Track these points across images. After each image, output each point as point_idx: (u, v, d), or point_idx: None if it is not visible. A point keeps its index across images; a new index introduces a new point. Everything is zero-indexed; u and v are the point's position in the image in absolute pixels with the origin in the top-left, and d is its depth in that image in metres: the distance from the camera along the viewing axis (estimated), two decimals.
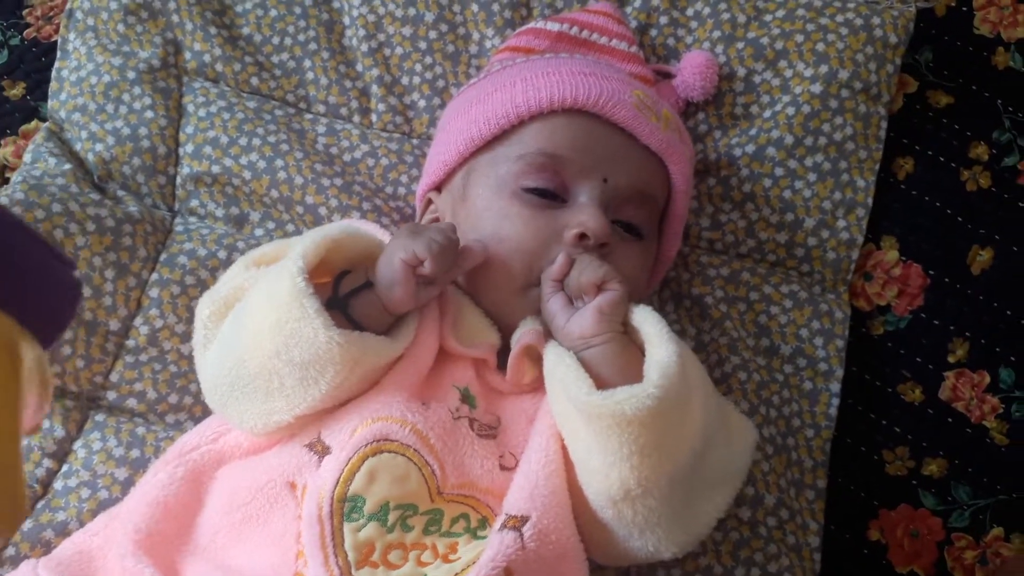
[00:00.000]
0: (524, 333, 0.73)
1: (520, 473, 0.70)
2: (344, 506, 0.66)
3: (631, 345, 0.70)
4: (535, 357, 0.73)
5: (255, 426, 0.72)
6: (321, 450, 0.70)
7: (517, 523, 0.65)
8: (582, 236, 0.74)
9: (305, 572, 0.66)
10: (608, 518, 0.68)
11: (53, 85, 0.94)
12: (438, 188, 0.85)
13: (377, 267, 0.71)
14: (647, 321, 0.70)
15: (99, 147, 0.91)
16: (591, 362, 0.69)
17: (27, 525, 0.77)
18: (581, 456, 0.68)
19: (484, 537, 0.67)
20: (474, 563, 0.65)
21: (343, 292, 0.71)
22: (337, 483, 0.67)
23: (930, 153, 0.96)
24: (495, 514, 0.68)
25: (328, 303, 0.68)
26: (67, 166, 0.89)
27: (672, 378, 0.64)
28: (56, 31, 0.98)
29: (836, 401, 0.88)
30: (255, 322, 0.70)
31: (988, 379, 0.90)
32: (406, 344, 0.72)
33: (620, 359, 0.68)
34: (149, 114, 0.92)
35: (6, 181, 0.90)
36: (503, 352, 0.75)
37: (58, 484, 0.80)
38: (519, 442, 0.73)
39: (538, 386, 0.74)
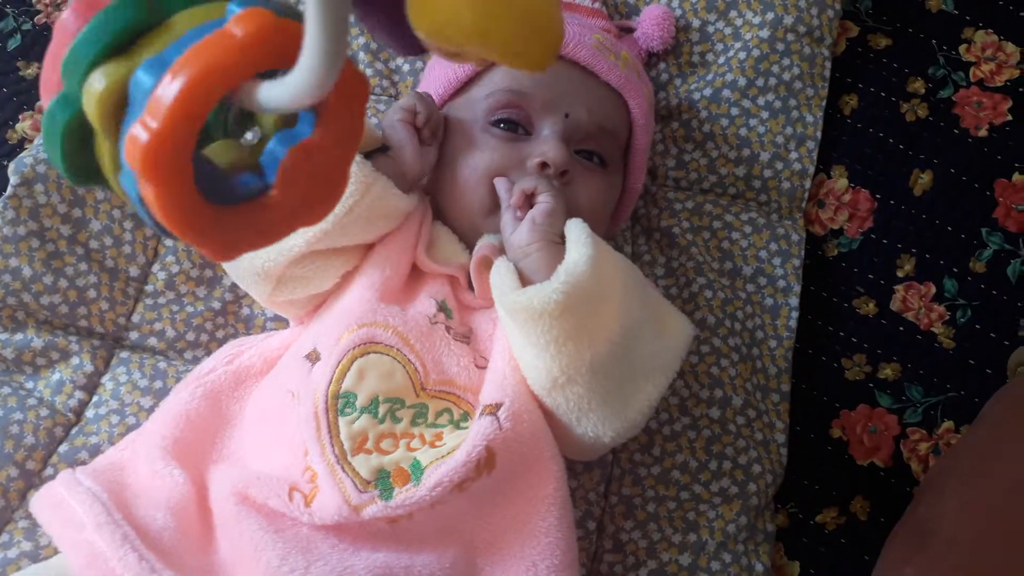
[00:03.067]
0: (481, 247, 0.80)
1: (489, 370, 0.77)
2: (338, 402, 0.73)
3: (563, 253, 0.75)
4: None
5: (268, 263, 0.78)
6: (314, 358, 0.77)
7: (493, 409, 0.73)
8: (543, 164, 0.81)
9: (313, 465, 0.73)
10: (550, 406, 0.75)
11: None
12: None
13: (385, 135, 0.81)
14: (571, 229, 0.75)
15: None
16: (527, 269, 0.75)
17: (63, 448, 0.85)
18: (518, 352, 0.76)
19: (466, 427, 0.74)
20: (458, 448, 0.72)
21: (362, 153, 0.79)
22: (330, 382, 0.74)
23: (872, 89, 1.05)
24: (475, 409, 0.76)
25: None
26: None
27: (580, 275, 0.70)
28: None
29: (795, 314, 0.96)
30: None
31: (934, 290, 0.98)
32: (412, 202, 0.81)
33: (548, 265, 0.73)
34: None
35: None
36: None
37: (89, 413, 0.88)
38: (488, 346, 0.80)
39: None
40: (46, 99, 0.41)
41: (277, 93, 0.37)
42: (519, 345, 0.75)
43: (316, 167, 0.41)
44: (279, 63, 0.36)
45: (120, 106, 0.38)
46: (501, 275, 0.75)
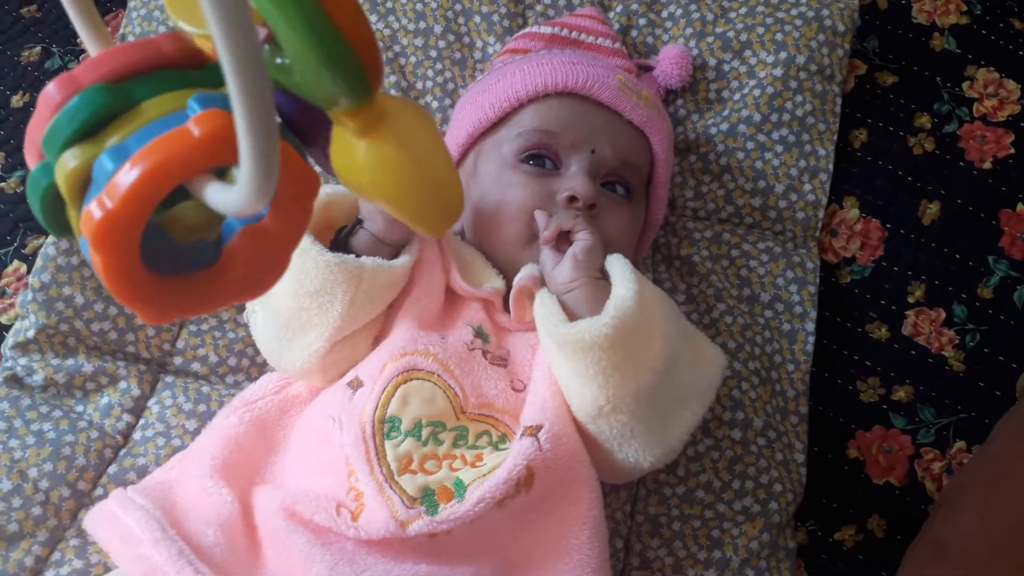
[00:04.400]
0: (523, 276, 0.84)
1: (530, 393, 0.81)
2: (384, 427, 0.77)
3: (606, 288, 0.78)
4: (533, 298, 0.83)
5: (304, 363, 0.83)
6: (356, 385, 0.81)
7: (533, 431, 0.77)
8: (572, 198, 0.86)
9: (358, 485, 0.76)
10: (593, 433, 0.79)
11: None
12: None
13: (360, 206, 0.84)
14: (615, 265, 0.80)
15: None
16: (570, 303, 0.80)
17: (112, 469, 0.88)
18: (564, 381, 0.79)
19: (505, 448, 0.78)
20: (499, 467, 0.75)
21: (342, 236, 0.83)
22: (376, 408, 0.78)
23: (881, 124, 1.10)
24: (513, 431, 0.79)
25: (331, 246, 0.81)
26: None
27: (627, 310, 0.74)
28: None
29: (812, 339, 1.00)
30: None
31: (944, 315, 1.02)
32: (405, 263, 0.82)
33: (593, 299, 0.78)
34: None
35: None
36: (509, 297, 0.86)
37: (136, 435, 0.91)
38: (525, 370, 0.84)
39: None
40: (30, 161, 0.45)
41: (222, 200, 0.40)
42: (566, 375, 0.79)
43: (261, 250, 0.44)
44: (232, 160, 0.39)
45: (85, 182, 0.42)
46: (548, 308, 0.79)
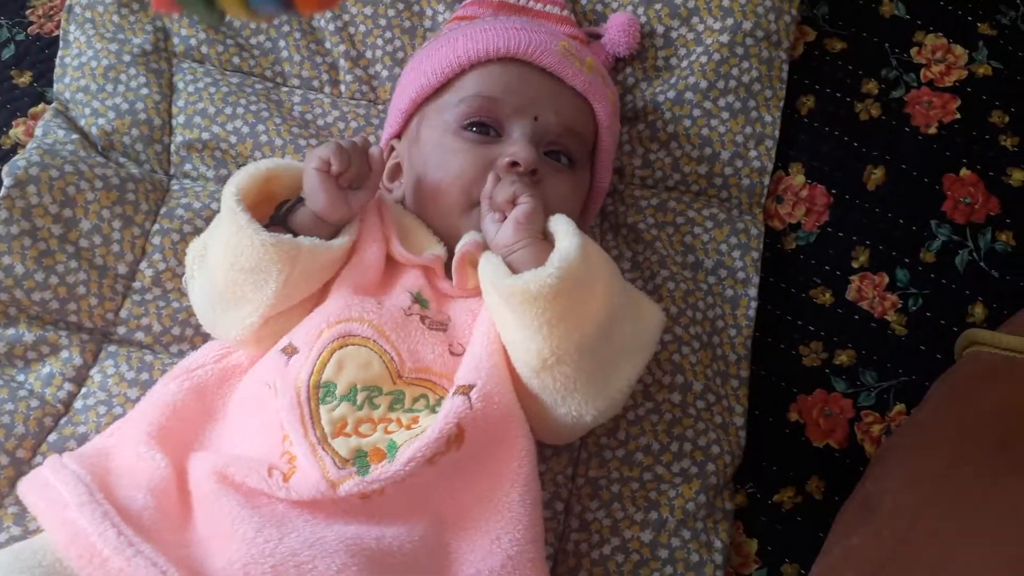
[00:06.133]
0: (466, 243, 0.85)
1: (467, 354, 0.82)
2: (319, 391, 0.78)
3: (548, 247, 0.79)
4: (476, 264, 0.84)
5: (237, 335, 0.84)
6: (290, 351, 0.81)
7: (465, 390, 0.78)
8: (513, 164, 0.86)
9: (291, 449, 0.77)
10: (536, 388, 0.80)
11: (57, 71, 1.07)
12: (398, 136, 0.98)
13: (303, 183, 0.84)
14: (558, 223, 0.81)
15: (101, 121, 1.04)
16: (514, 263, 0.80)
17: (52, 438, 0.89)
18: (506, 335, 0.80)
19: None
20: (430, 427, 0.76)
21: (282, 212, 0.84)
22: (312, 373, 0.79)
23: (828, 90, 1.10)
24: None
25: (271, 221, 0.81)
26: (75, 136, 1.02)
27: (572, 261, 0.75)
28: (57, 27, 1.11)
29: (754, 304, 1.00)
30: (214, 247, 0.84)
31: (887, 279, 1.02)
32: (343, 244, 0.83)
33: (536, 257, 0.78)
34: (144, 91, 1.05)
35: None
36: (450, 263, 0.87)
37: (78, 404, 0.91)
38: (465, 334, 0.84)
39: (481, 290, 0.86)
40: None
41: None
42: (510, 328, 0.80)
43: None
44: None
45: None
46: (493, 265, 0.80)
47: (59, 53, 1.08)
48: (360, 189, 0.85)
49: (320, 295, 0.86)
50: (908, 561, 0.72)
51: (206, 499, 0.77)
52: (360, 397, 0.78)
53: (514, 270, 0.79)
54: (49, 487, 0.77)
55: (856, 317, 1.02)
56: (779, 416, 0.98)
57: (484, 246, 0.84)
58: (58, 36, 1.09)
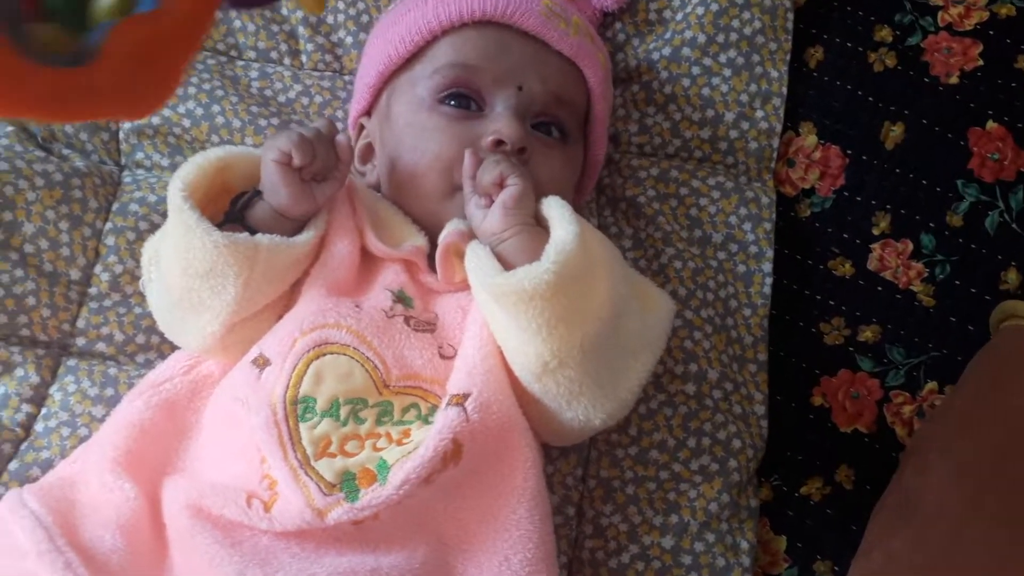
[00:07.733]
0: (449, 233, 0.77)
1: (459, 358, 0.74)
2: (297, 408, 0.70)
3: (542, 234, 0.72)
4: (463, 256, 0.76)
5: (201, 344, 0.77)
6: (262, 363, 0.73)
7: (460, 400, 0.70)
8: (499, 142, 0.78)
9: (271, 472, 0.70)
10: (538, 393, 0.73)
11: None
12: (368, 113, 0.89)
13: (261, 176, 0.75)
14: (552, 207, 0.73)
15: None
16: (505, 254, 0.72)
17: (14, 465, 0.81)
18: (502, 338, 0.73)
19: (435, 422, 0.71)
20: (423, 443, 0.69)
21: (238, 207, 0.75)
22: (288, 388, 0.71)
23: (838, 40, 1.01)
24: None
25: (226, 218, 0.73)
26: (9, 128, 0.92)
27: (569, 253, 0.67)
28: None
29: (769, 280, 0.93)
30: (166, 249, 0.76)
31: (911, 246, 0.95)
32: (308, 240, 0.75)
33: (530, 247, 0.71)
34: None
35: None
36: (434, 254, 0.78)
37: (39, 426, 0.83)
38: (456, 334, 0.77)
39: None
40: None
41: None
42: (504, 331, 0.72)
43: (148, 43, 0.41)
44: None
45: None
46: (481, 259, 0.72)
47: None
48: (327, 180, 0.76)
49: (289, 296, 0.78)
50: (956, 573, 0.65)
51: (181, 537, 0.70)
52: (344, 411, 0.71)
53: (504, 262, 0.72)
54: (7, 533, 0.70)
55: (879, 289, 0.94)
56: (802, 401, 0.92)
57: (470, 235, 0.76)
58: None
